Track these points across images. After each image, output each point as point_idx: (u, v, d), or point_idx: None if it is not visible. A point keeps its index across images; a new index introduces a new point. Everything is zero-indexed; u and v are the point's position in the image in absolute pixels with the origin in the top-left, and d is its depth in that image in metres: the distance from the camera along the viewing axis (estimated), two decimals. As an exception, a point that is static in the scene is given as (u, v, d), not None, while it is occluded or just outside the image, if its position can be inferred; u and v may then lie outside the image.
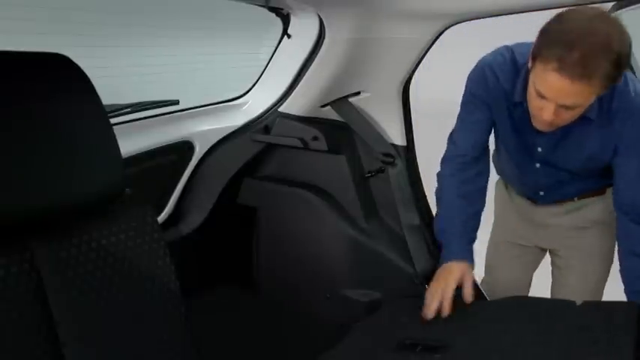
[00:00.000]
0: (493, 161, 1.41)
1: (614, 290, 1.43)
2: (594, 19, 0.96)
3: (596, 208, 1.32)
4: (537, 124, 1.10)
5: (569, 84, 0.96)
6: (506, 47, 1.21)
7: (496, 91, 1.20)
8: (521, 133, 1.21)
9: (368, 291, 1.45)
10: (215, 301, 1.51)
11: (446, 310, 1.13)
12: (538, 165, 1.26)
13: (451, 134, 1.32)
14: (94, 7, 4.51)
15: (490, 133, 1.29)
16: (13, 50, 0.66)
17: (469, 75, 1.25)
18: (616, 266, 1.37)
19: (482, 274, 1.60)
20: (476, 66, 1.24)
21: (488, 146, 1.31)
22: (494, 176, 1.48)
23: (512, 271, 1.52)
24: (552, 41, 0.98)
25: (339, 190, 1.52)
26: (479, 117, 1.25)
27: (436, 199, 1.33)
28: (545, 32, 1.00)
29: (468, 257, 1.22)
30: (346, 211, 1.50)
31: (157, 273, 0.79)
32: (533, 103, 1.06)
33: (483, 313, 1.16)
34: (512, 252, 1.49)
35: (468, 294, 1.15)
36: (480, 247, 1.59)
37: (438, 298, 1.14)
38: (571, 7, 0.99)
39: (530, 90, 1.05)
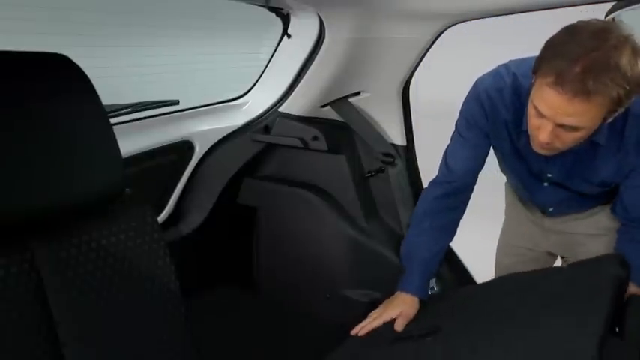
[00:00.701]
0: (500, 169, 1.37)
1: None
2: (602, 33, 0.88)
3: (608, 216, 1.27)
4: (535, 147, 1.02)
5: (567, 101, 0.88)
6: (507, 68, 1.11)
7: (496, 120, 1.13)
8: (527, 160, 1.16)
9: (368, 291, 1.45)
10: (215, 301, 1.51)
11: (361, 331, 1.16)
12: (546, 184, 1.20)
13: (445, 157, 1.26)
14: (94, 7, 4.50)
15: (486, 157, 1.24)
16: (13, 50, 0.66)
17: (466, 98, 1.18)
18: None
19: (492, 275, 1.59)
20: (473, 88, 1.16)
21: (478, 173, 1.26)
22: (503, 176, 1.47)
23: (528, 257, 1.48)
24: (554, 54, 0.90)
25: (339, 190, 1.52)
26: (475, 143, 1.19)
27: (412, 217, 1.31)
28: (548, 45, 0.93)
29: (423, 295, 1.21)
30: (346, 211, 1.50)
31: (156, 273, 0.79)
32: (531, 121, 0.99)
33: (474, 295, 1.18)
34: (522, 255, 1.46)
35: (399, 325, 1.14)
36: (488, 247, 1.59)
37: (372, 320, 1.17)
38: (580, 21, 0.92)
39: (529, 107, 0.98)
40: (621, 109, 0.93)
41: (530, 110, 0.97)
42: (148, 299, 0.77)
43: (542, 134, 0.96)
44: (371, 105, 1.50)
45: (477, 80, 1.16)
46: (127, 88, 4.59)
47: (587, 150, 1.06)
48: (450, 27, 1.31)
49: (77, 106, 0.68)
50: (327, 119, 1.52)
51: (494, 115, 1.12)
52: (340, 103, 1.49)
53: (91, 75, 0.71)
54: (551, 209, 1.32)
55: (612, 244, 1.26)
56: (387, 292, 1.24)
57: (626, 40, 0.87)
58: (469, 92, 1.17)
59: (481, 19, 1.28)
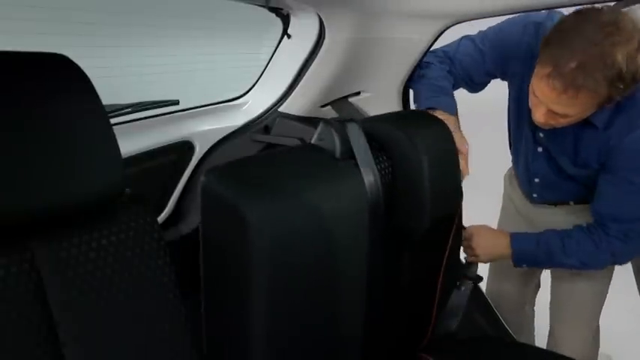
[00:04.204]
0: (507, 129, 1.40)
1: (616, 294, 1.43)
2: (609, 27, 0.88)
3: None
4: (534, 118, 1.08)
5: (558, 94, 0.92)
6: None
7: (526, 56, 1.13)
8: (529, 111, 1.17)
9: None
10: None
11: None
12: (540, 149, 1.23)
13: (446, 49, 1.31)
14: (94, 7, 4.50)
15: (472, 84, 1.29)
16: (13, 50, 0.66)
17: (509, 21, 1.19)
18: (618, 271, 1.37)
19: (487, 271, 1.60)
20: (519, 18, 1.17)
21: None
22: (502, 173, 1.48)
23: (517, 272, 1.51)
24: (556, 42, 0.93)
25: None
26: (485, 67, 1.23)
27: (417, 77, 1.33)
28: (556, 28, 0.94)
29: (456, 114, 1.22)
30: None
31: (157, 273, 0.79)
32: (530, 97, 1.04)
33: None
34: None
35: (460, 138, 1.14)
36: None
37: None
38: (590, 6, 0.92)
39: (531, 82, 1.01)
40: (618, 98, 0.95)
41: (530, 87, 1.02)
42: (148, 299, 0.77)
43: (536, 114, 1.02)
44: (371, 105, 1.50)
45: (527, 15, 1.16)
46: (127, 88, 4.59)
47: (583, 126, 1.09)
48: (450, 27, 1.31)
49: (77, 106, 0.68)
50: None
51: (527, 51, 1.12)
52: (340, 103, 1.49)
53: (91, 75, 0.71)
54: (535, 194, 1.35)
55: None
56: None
57: (632, 35, 0.87)
58: (512, 19, 1.18)
59: (481, 19, 1.28)
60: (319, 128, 0.96)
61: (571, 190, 1.28)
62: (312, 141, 0.97)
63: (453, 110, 1.22)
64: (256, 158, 0.95)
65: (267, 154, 0.95)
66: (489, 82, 1.32)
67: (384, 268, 1.02)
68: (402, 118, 1.11)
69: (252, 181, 0.81)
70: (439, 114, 1.17)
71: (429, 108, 1.23)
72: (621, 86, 0.90)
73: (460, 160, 1.06)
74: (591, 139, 1.10)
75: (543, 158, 1.25)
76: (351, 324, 0.95)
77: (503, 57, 1.22)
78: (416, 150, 0.97)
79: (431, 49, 1.33)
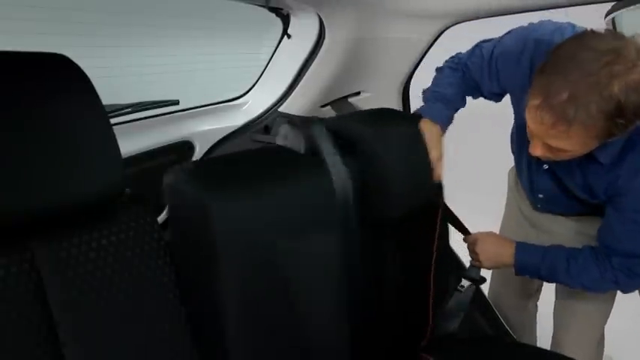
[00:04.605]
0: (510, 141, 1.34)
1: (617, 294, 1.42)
2: (610, 55, 0.80)
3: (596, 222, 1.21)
4: (531, 152, 0.99)
5: (547, 128, 0.86)
6: (574, 27, 1.01)
7: (524, 73, 1.05)
8: None
9: None
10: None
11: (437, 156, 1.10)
12: (546, 167, 1.18)
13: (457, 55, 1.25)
14: (94, 7, 4.50)
15: (483, 94, 1.22)
16: (13, 50, 0.66)
17: (513, 35, 1.11)
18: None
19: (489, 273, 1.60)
20: (528, 31, 1.07)
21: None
22: (506, 169, 1.46)
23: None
24: (549, 70, 0.85)
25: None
26: (487, 85, 1.18)
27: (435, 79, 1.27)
28: (554, 53, 0.86)
29: (445, 123, 1.17)
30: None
31: (156, 273, 0.79)
32: (527, 130, 0.96)
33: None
34: None
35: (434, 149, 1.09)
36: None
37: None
38: (597, 32, 0.85)
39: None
40: (622, 135, 0.87)
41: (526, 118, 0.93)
42: (148, 299, 0.77)
43: (532, 147, 0.95)
44: (371, 105, 1.50)
45: (535, 24, 1.08)
46: (127, 88, 4.59)
47: (588, 161, 1.02)
48: (450, 27, 1.31)
49: (77, 106, 0.68)
50: None
51: (531, 69, 1.02)
52: (340, 103, 1.49)
53: (91, 75, 0.71)
54: (539, 205, 1.31)
55: None
56: None
57: (635, 65, 0.80)
58: (521, 31, 1.10)
59: (481, 19, 1.28)
60: (283, 129, 0.97)
61: (577, 206, 1.22)
62: (277, 142, 0.97)
63: (442, 119, 1.17)
64: (220, 158, 0.95)
65: (232, 154, 0.96)
66: (501, 95, 1.23)
67: (367, 263, 1.04)
68: (371, 115, 1.11)
69: (215, 179, 0.82)
70: (424, 122, 1.14)
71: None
72: (622, 121, 0.81)
73: (435, 166, 1.07)
74: (598, 174, 1.03)
75: (548, 176, 1.18)
76: (332, 317, 0.95)
77: (502, 75, 1.15)
78: (382, 144, 1.00)
79: (452, 55, 1.27)
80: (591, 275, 1.11)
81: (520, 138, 1.21)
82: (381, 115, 1.14)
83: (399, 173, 1.01)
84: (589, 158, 1.00)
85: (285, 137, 0.96)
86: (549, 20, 1.09)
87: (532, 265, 1.18)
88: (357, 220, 0.98)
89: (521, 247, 1.21)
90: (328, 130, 1.01)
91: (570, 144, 0.88)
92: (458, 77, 1.23)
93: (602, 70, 0.79)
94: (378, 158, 0.99)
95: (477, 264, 1.29)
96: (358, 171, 1.00)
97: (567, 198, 1.20)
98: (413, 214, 1.08)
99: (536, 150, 0.95)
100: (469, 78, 1.22)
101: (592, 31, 0.86)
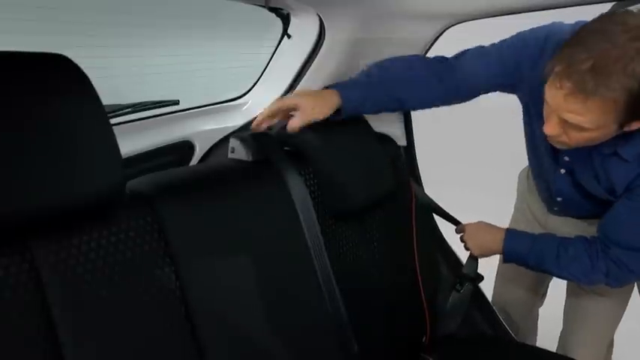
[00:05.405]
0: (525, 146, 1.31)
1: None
2: (633, 30, 0.78)
3: None
4: (545, 131, 0.96)
5: (563, 97, 0.84)
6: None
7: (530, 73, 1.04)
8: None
9: None
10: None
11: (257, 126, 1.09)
12: (563, 171, 1.16)
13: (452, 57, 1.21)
14: (93, 7, 4.50)
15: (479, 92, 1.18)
16: (13, 50, 0.66)
17: (527, 34, 1.08)
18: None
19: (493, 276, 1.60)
20: (542, 30, 1.05)
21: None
22: (517, 171, 1.45)
23: (525, 276, 1.49)
24: (575, 41, 0.83)
25: None
26: (498, 80, 1.13)
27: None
28: (582, 28, 0.85)
29: (347, 106, 1.11)
30: None
31: (156, 273, 0.79)
32: (545, 108, 0.94)
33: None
34: None
35: (294, 123, 1.05)
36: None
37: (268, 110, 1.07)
38: (627, 10, 0.84)
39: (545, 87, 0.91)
40: None
41: (545, 93, 0.91)
42: (148, 299, 0.77)
43: (549, 125, 0.92)
44: (371, 105, 1.50)
45: (549, 25, 1.06)
46: (127, 88, 4.59)
47: (610, 158, 1.00)
48: (450, 27, 1.31)
49: (77, 106, 0.68)
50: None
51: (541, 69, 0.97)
52: (340, 103, 1.49)
53: (91, 75, 0.71)
54: (556, 208, 1.30)
55: None
56: None
57: None
58: (536, 30, 1.07)
59: (481, 19, 1.28)
60: (231, 143, 1.04)
61: (594, 209, 1.18)
62: (228, 156, 1.05)
63: (344, 96, 1.12)
64: (173, 171, 1.01)
65: (184, 168, 1.06)
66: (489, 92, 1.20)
67: (342, 261, 1.10)
68: (321, 124, 1.13)
69: (170, 189, 0.87)
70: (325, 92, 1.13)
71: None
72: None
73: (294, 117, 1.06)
74: (620, 171, 1.01)
75: (566, 180, 1.16)
76: (324, 317, 0.99)
77: (510, 70, 1.11)
78: (331, 146, 1.13)
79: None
80: (582, 265, 1.10)
81: (532, 140, 1.19)
82: (333, 122, 1.17)
83: (346, 166, 1.13)
84: (612, 156, 0.99)
85: (232, 151, 1.05)
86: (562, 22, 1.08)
87: (520, 251, 1.18)
88: (320, 217, 1.06)
89: (510, 235, 1.21)
90: (276, 141, 1.10)
91: (587, 120, 0.84)
92: (434, 75, 1.18)
93: (629, 44, 0.77)
94: (324, 158, 1.11)
95: (469, 252, 1.31)
96: (310, 172, 1.10)
97: (586, 200, 1.18)
98: (378, 202, 1.20)
99: (552, 128, 0.91)
100: (458, 75, 1.18)
101: (625, 10, 0.84)
